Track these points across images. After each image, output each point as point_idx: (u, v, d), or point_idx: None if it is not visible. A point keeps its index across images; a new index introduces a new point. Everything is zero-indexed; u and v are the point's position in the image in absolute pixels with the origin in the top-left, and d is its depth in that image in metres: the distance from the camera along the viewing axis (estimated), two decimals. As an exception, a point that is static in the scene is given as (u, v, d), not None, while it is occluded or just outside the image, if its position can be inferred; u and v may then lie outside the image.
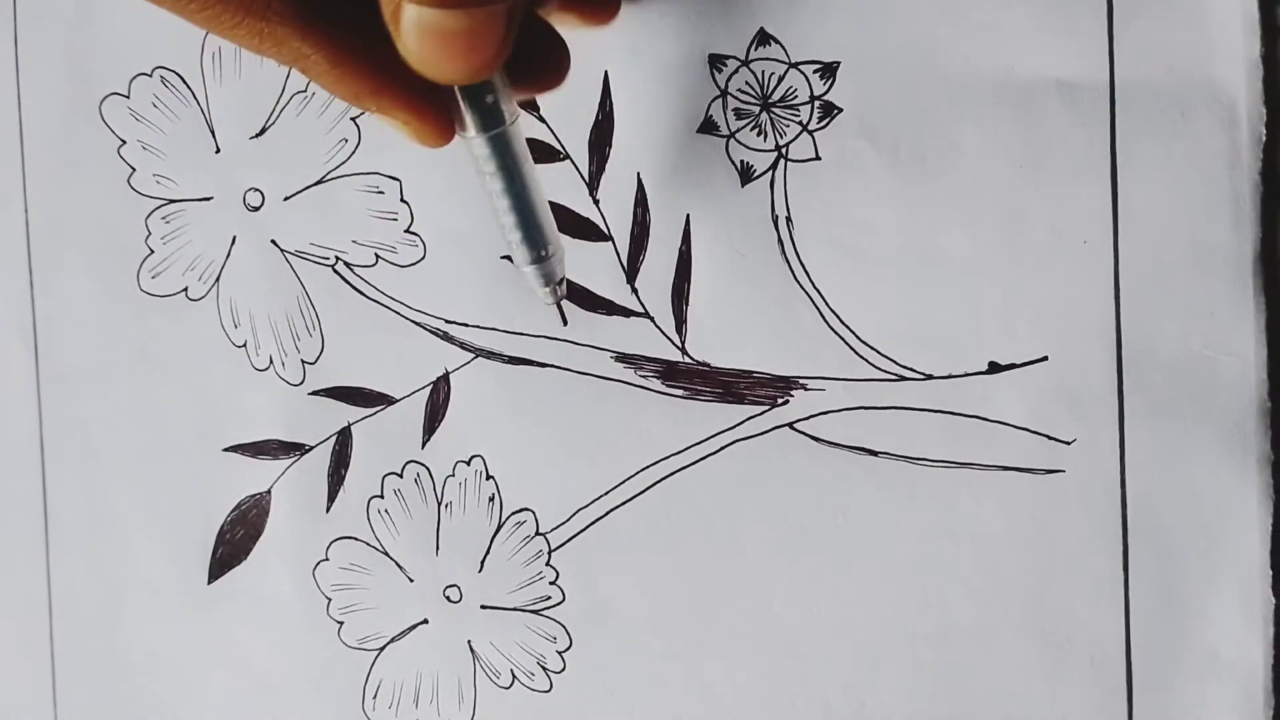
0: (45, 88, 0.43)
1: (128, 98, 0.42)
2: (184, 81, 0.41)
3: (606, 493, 0.39)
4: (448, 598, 0.41)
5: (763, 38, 0.37)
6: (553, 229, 0.34)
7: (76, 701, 0.44)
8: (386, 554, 0.41)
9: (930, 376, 0.37)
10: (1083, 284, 0.36)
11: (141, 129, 0.42)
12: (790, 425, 0.38)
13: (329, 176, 0.40)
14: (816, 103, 0.37)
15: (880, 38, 0.37)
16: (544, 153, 0.39)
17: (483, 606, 0.40)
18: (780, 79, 0.37)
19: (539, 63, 0.32)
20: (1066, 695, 0.36)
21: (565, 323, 0.39)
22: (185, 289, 0.42)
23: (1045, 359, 0.36)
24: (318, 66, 0.29)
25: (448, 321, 0.40)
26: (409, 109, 0.30)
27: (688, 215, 0.38)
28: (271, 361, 0.41)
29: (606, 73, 0.38)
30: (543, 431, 0.40)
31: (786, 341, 0.38)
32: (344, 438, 0.41)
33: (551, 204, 0.38)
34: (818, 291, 0.37)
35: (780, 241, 0.38)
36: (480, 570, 0.40)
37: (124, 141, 0.42)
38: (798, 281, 0.38)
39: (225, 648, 0.43)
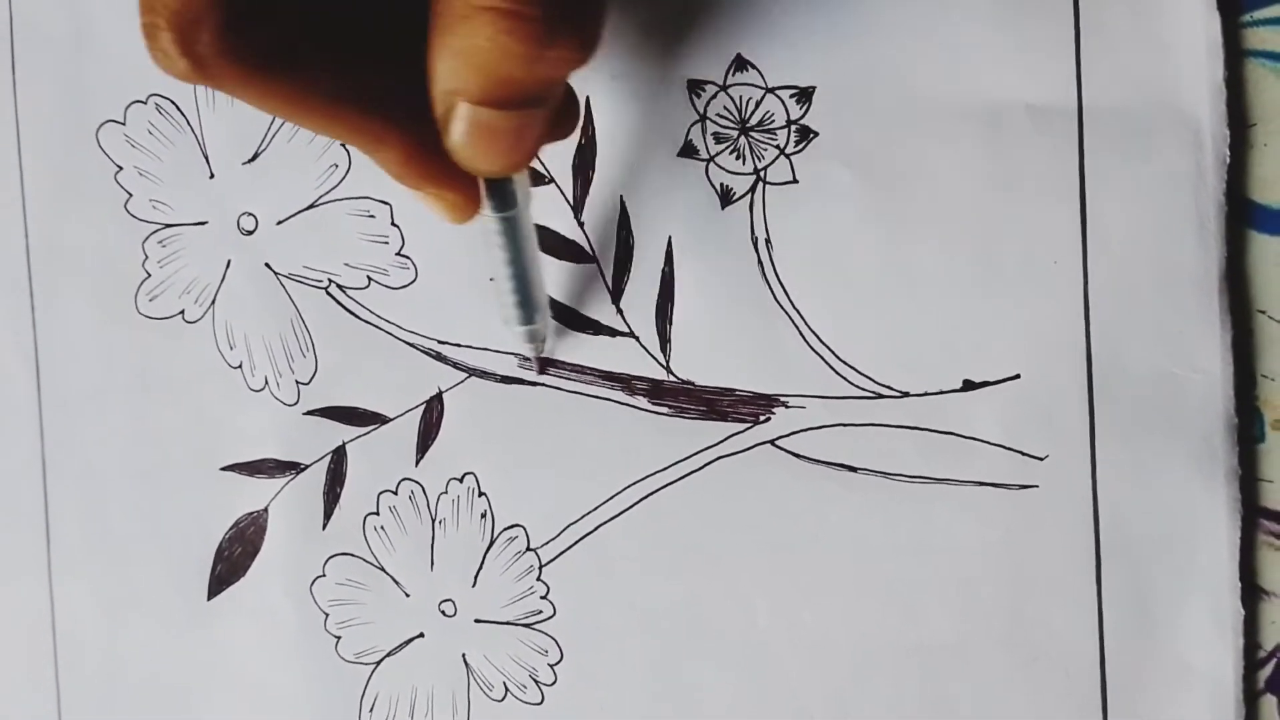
0: (43, 116, 0.46)
1: (124, 125, 0.45)
2: (178, 109, 0.45)
3: (595, 509, 0.42)
4: (443, 612, 0.44)
5: (740, 63, 0.40)
6: (544, 300, 0.40)
7: (81, 719, 0.47)
8: (382, 570, 0.44)
9: (907, 394, 0.40)
10: (1053, 303, 0.38)
11: (137, 155, 0.45)
12: (772, 442, 0.41)
13: (321, 201, 0.43)
14: (793, 127, 0.40)
15: (855, 63, 0.39)
16: (530, 177, 0.42)
17: (476, 620, 0.43)
18: (758, 104, 0.40)
19: (558, 110, 0.35)
20: (1042, 706, 0.39)
21: (540, 372, 0.42)
22: (182, 311, 0.45)
23: (1018, 377, 0.39)
24: (390, 154, 0.32)
25: (440, 342, 0.43)
26: (458, 191, 0.34)
27: (670, 237, 0.41)
28: (267, 382, 0.45)
29: (589, 99, 0.41)
30: (533, 449, 0.43)
31: (767, 360, 0.41)
32: (339, 456, 0.44)
33: (538, 226, 0.41)
34: (797, 311, 0.40)
35: (760, 262, 0.40)
36: (474, 585, 0.43)
37: (120, 168, 0.45)
38: (778, 302, 0.40)
39: (225, 663, 0.46)
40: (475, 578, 0.43)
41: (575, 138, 0.41)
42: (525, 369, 0.42)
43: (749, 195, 0.40)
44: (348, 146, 0.43)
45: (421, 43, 0.31)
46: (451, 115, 0.30)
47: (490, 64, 0.29)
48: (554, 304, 0.42)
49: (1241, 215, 0.38)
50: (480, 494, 0.43)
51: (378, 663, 0.44)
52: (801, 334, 0.40)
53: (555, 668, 0.43)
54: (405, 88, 0.31)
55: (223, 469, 0.45)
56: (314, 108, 0.31)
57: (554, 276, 0.42)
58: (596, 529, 0.42)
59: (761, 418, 0.41)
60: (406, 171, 0.33)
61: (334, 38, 0.31)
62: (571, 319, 0.42)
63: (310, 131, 0.32)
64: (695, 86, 0.40)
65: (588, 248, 0.42)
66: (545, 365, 0.42)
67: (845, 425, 0.40)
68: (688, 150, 0.41)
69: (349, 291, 0.44)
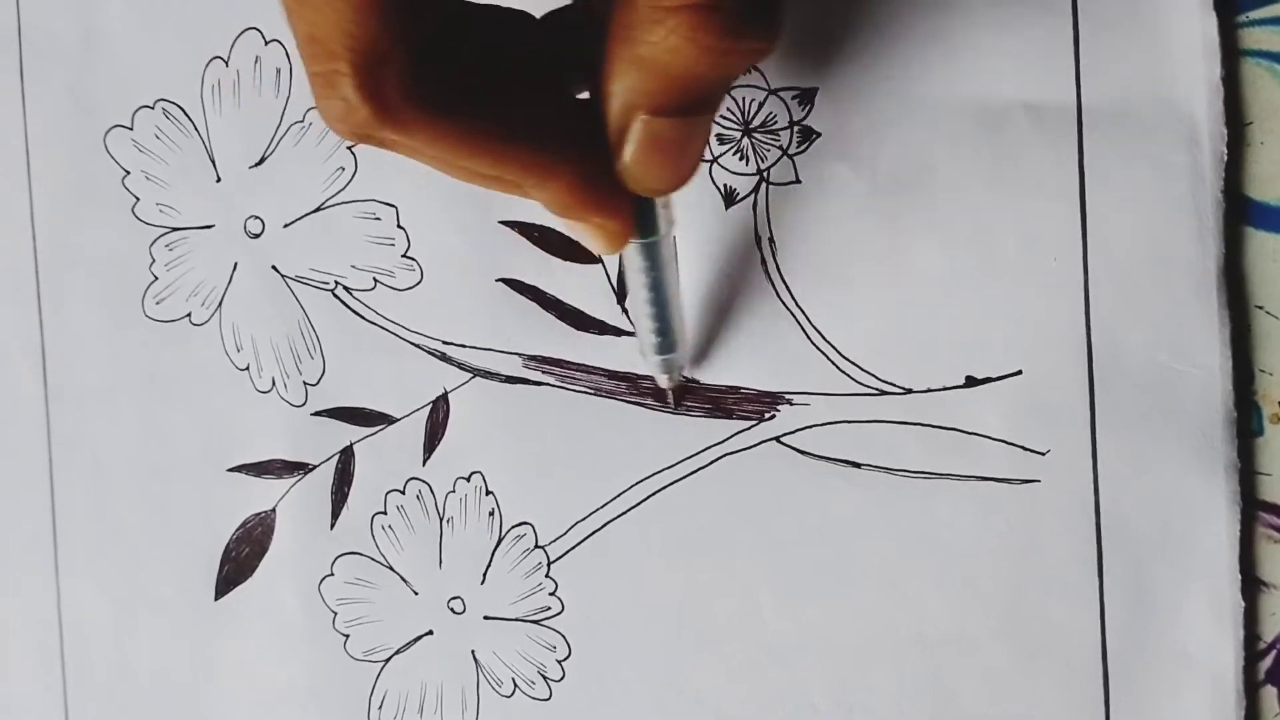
0: (51, 121, 0.46)
1: (131, 130, 0.45)
2: (185, 113, 0.45)
3: (602, 506, 0.43)
4: (451, 609, 0.44)
5: (743, 65, 0.41)
6: (684, 333, 0.40)
7: (88, 719, 0.48)
8: (391, 568, 0.44)
9: (910, 391, 0.40)
10: (1053, 300, 0.39)
11: (145, 160, 0.45)
12: (777, 439, 0.41)
13: (327, 204, 0.44)
14: (796, 128, 0.40)
15: (855, 65, 0.40)
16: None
17: (485, 617, 0.44)
18: (760, 105, 0.41)
19: None
20: (1045, 698, 0.40)
21: (675, 406, 0.42)
22: (189, 314, 0.46)
23: (1019, 373, 0.39)
24: (560, 185, 0.32)
25: (446, 342, 0.44)
26: (618, 219, 0.34)
27: (674, 238, 0.41)
28: (274, 384, 0.45)
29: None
30: (540, 448, 0.43)
31: (772, 358, 0.41)
32: (346, 456, 0.45)
33: (543, 227, 0.42)
34: (801, 310, 0.41)
35: (764, 262, 0.41)
36: (483, 582, 0.44)
37: (128, 172, 0.46)
38: (781, 300, 0.41)
39: (233, 663, 0.46)
40: (484, 575, 0.44)
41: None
42: (652, 405, 0.42)
43: (752, 195, 0.41)
44: (359, 147, 0.43)
45: (587, 70, 0.31)
46: (628, 133, 0.31)
47: (680, 66, 0.29)
48: (559, 304, 0.42)
49: (1239, 212, 0.38)
50: (488, 492, 0.44)
51: (386, 660, 0.45)
52: (805, 332, 0.41)
53: (564, 663, 0.43)
54: (571, 117, 0.32)
55: (230, 470, 0.46)
56: (491, 149, 0.30)
57: (559, 277, 0.42)
58: (604, 526, 0.43)
59: (766, 415, 0.41)
60: (573, 203, 0.32)
61: (505, 73, 0.31)
62: (577, 319, 0.42)
63: (478, 174, 0.31)
64: (698, 88, 0.41)
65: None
66: (680, 396, 0.42)
67: (849, 422, 0.41)
68: (691, 151, 0.41)
69: (355, 293, 0.44)
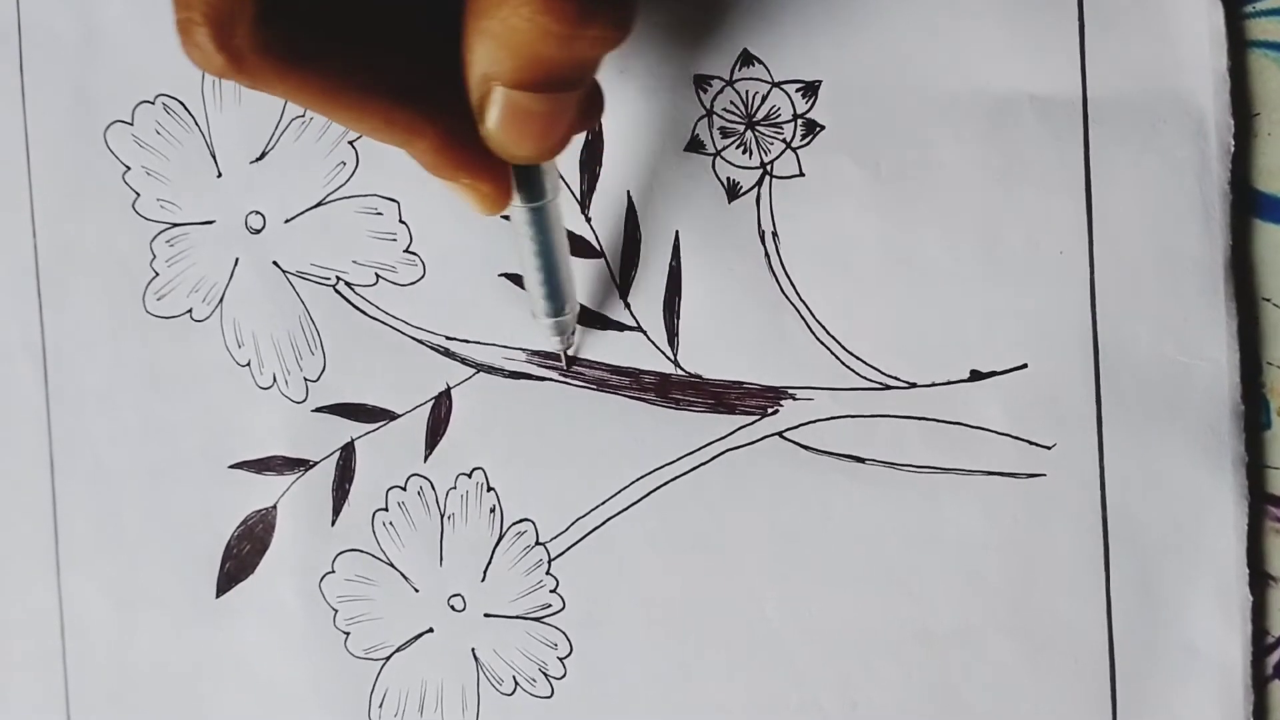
0: (51, 116, 0.46)
1: (131, 125, 0.45)
2: (186, 108, 0.45)
3: (604, 502, 0.42)
4: (452, 607, 0.44)
5: (746, 58, 0.40)
6: (573, 292, 0.40)
7: (89, 716, 0.47)
8: (392, 565, 0.44)
9: (914, 385, 0.40)
10: (1059, 293, 0.39)
11: (145, 155, 0.45)
12: (780, 434, 0.41)
13: (328, 199, 0.44)
14: (799, 121, 0.40)
15: (860, 57, 0.40)
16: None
17: (486, 615, 0.44)
18: (764, 98, 0.40)
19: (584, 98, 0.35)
20: (1052, 693, 0.39)
21: (568, 367, 0.42)
22: (190, 310, 0.45)
23: (1025, 366, 0.39)
24: (425, 143, 0.32)
25: (448, 338, 0.43)
26: (489, 181, 0.34)
27: (677, 231, 0.41)
28: (275, 380, 0.45)
29: (596, 94, 0.41)
30: (542, 444, 0.43)
31: (775, 353, 0.41)
32: (347, 453, 0.44)
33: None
34: (804, 304, 0.40)
35: (767, 255, 0.41)
36: (483, 580, 0.43)
37: (128, 167, 0.45)
38: (784, 294, 0.41)
39: (234, 660, 0.46)
40: (484, 572, 0.43)
41: (583, 133, 0.41)
42: (545, 365, 0.42)
43: (755, 189, 0.41)
44: (361, 141, 0.43)
45: (453, 32, 0.31)
46: (487, 100, 0.31)
47: (527, 45, 0.29)
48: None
49: (1246, 204, 0.38)
50: (489, 489, 0.43)
51: (387, 658, 0.44)
52: (809, 326, 0.40)
53: (565, 661, 0.43)
54: (438, 78, 0.32)
55: (231, 466, 0.45)
56: (348, 101, 0.31)
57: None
58: (605, 522, 0.42)
59: (769, 410, 0.41)
60: (440, 162, 0.33)
61: (366, 31, 0.31)
62: (580, 314, 0.42)
63: (344, 125, 0.32)
64: (702, 81, 0.41)
65: (595, 243, 0.42)
66: (572, 360, 0.42)
67: (853, 416, 0.40)
68: (694, 145, 0.41)
69: (357, 289, 0.44)
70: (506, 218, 0.37)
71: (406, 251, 0.43)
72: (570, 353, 0.42)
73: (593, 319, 0.42)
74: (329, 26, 0.31)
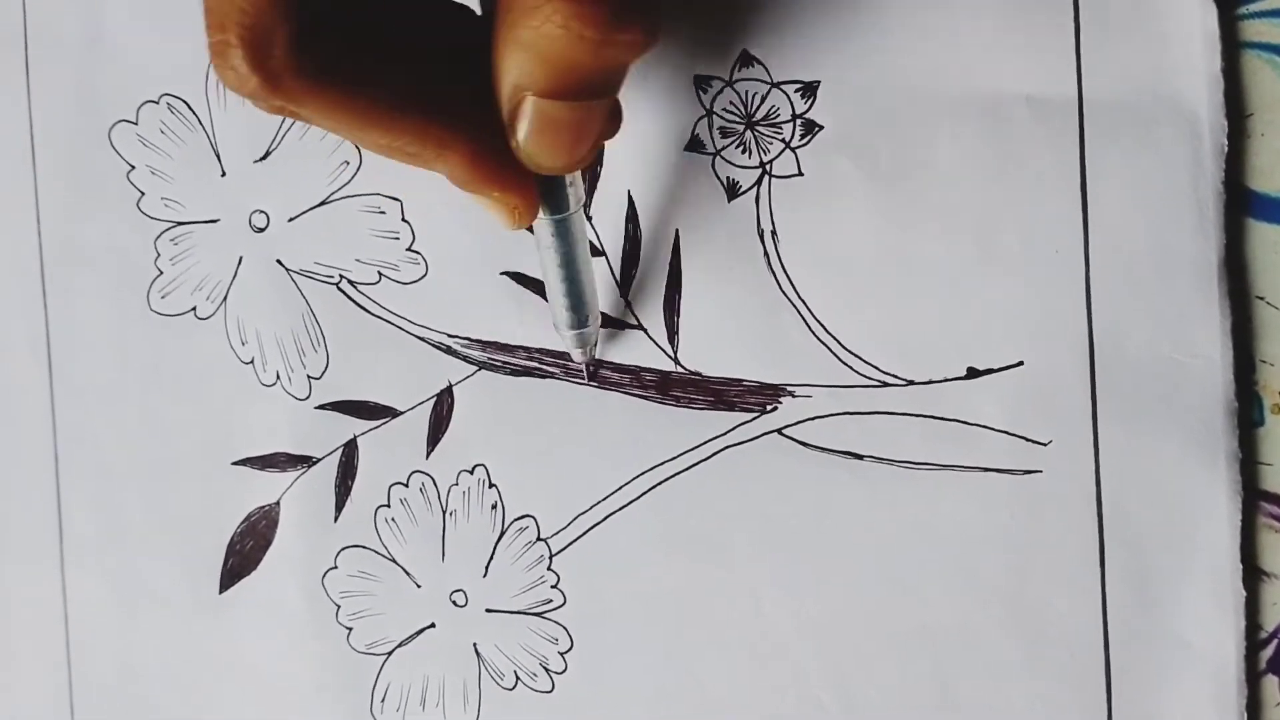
0: (56, 116, 0.46)
1: (136, 124, 0.45)
2: (190, 108, 0.45)
3: (604, 498, 0.43)
4: (454, 602, 0.44)
5: (745, 59, 0.41)
6: (595, 304, 0.40)
7: (93, 712, 0.47)
8: (394, 561, 0.44)
9: (911, 382, 0.40)
10: (1055, 291, 0.39)
11: (150, 154, 0.45)
12: (779, 431, 0.41)
13: (332, 198, 0.44)
14: (798, 121, 0.40)
15: (858, 58, 0.40)
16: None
17: (487, 610, 0.44)
18: (763, 98, 0.41)
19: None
20: (1047, 687, 0.40)
21: (592, 379, 0.43)
22: (194, 308, 0.45)
23: (1021, 364, 0.39)
24: (456, 158, 0.33)
25: (450, 336, 0.43)
26: (518, 194, 0.34)
27: (677, 230, 0.41)
28: (278, 377, 0.45)
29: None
30: (543, 440, 0.43)
31: (774, 350, 0.41)
32: (350, 450, 0.45)
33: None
34: (803, 302, 0.41)
35: (766, 254, 0.41)
36: (485, 575, 0.44)
37: (133, 167, 0.46)
38: (784, 293, 0.41)
39: (237, 655, 0.46)
40: (486, 568, 0.44)
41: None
42: (549, 364, 0.43)
43: (755, 188, 0.41)
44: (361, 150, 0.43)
45: (482, 48, 0.31)
46: (519, 112, 0.31)
47: (559, 54, 0.29)
48: (563, 297, 0.42)
49: (1240, 203, 0.38)
50: (491, 485, 0.43)
51: (389, 653, 0.45)
52: (807, 324, 0.41)
53: (566, 656, 0.43)
54: (467, 94, 0.32)
55: (234, 463, 0.46)
56: (380, 120, 0.31)
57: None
58: (606, 519, 0.43)
59: (768, 407, 0.41)
60: (472, 176, 0.33)
61: (396, 50, 0.32)
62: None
63: (373, 148, 0.32)
64: (702, 82, 0.41)
65: (596, 241, 0.42)
66: (594, 369, 0.43)
67: (851, 414, 0.41)
68: (694, 144, 0.41)
69: (360, 287, 0.44)
70: (530, 230, 0.38)
71: (409, 250, 0.43)
72: (591, 362, 0.42)
73: (593, 317, 0.42)
74: (360, 47, 0.31)
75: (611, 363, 0.42)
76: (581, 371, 0.42)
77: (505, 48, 0.30)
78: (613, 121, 0.34)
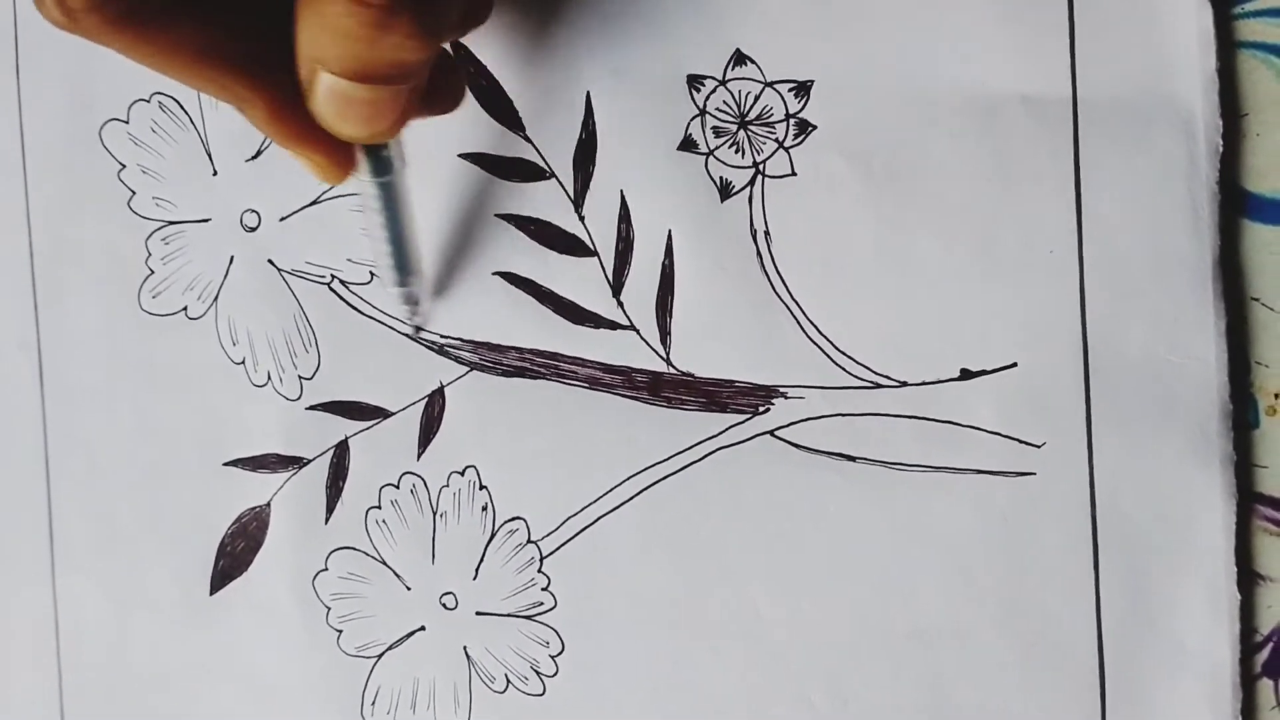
0: (47, 114, 0.46)
1: (127, 123, 0.45)
2: (181, 107, 0.45)
3: (595, 500, 0.42)
4: (444, 605, 0.44)
5: (739, 58, 0.40)
6: (419, 262, 0.41)
7: (83, 713, 0.47)
8: (384, 563, 0.44)
9: (905, 383, 0.40)
10: (1049, 292, 0.39)
11: (141, 153, 0.45)
12: (771, 433, 0.41)
13: (323, 198, 0.44)
14: (792, 120, 0.40)
15: (852, 57, 0.40)
16: (531, 171, 0.42)
17: (478, 613, 0.43)
18: (756, 98, 0.40)
19: (437, 89, 0.36)
20: (1041, 690, 0.39)
21: (416, 333, 0.43)
22: (185, 308, 0.45)
23: (1015, 365, 0.39)
24: (256, 111, 0.33)
25: (442, 336, 0.43)
26: (323, 153, 0.35)
27: (669, 230, 0.41)
28: (269, 378, 0.45)
29: (589, 94, 0.41)
30: (534, 442, 0.43)
31: (767, 351, 0.41)
32: (341, 451, 0.44)
33: (539, 220, 0.41)
34: (796, 303, 0.40)
35: (759, 255, 0.41)
36: (475, 578, 0.43)
37: (124, 166, 0.45)
38: (777, 293, 0.41)
39: (228, 657, 0.46)
40: (476, 570, 0.43)
41: (576, 132, 0.41)
42: (540, 364, 0.42)
43: (748, 188, 0.41)
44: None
45: (289, 9, 0.31)
46: (314, 82, 0.32)
47: (341, 40, 0.30)
48: (555, 297, 0.42)
49: (1235, 204, 0.38)
50: (481, 487, 0.43)
51: (380, 656, 0.44)
52: (800, 325, 0.40)
53: (557, 659, 0.43)
54: (274, 50, 0.32)
55: (225, 464, 0.45)
56: (182, 62, 0.32)
57: (555, 270, 0.42)
58: (597, 521, 0.42)
59: (761, 409, 0.41)
60: (273, 130, 0.34)
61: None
62: (573, 312, 0.42)
63: (181, 83, 0.33)
64: (695, 81, 0.41)
65: (588, 242, 0.42)
66: (419, 329, 0.43)
67: (844, 415, 0.40)
68: (687, 144, 0.41)
69: (351, 287, 0.44)
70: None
71: (400, 250, 0.43)
72: (419, 322, 0.43)
73: (585, 318, 0.42)
74: None
75: (603, 363, 0.42)
76: (410, 325, 0.43)
77: (302, 19, 0.31)
78: (444, 99, 0.36)
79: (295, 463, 0.44)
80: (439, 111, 0.37)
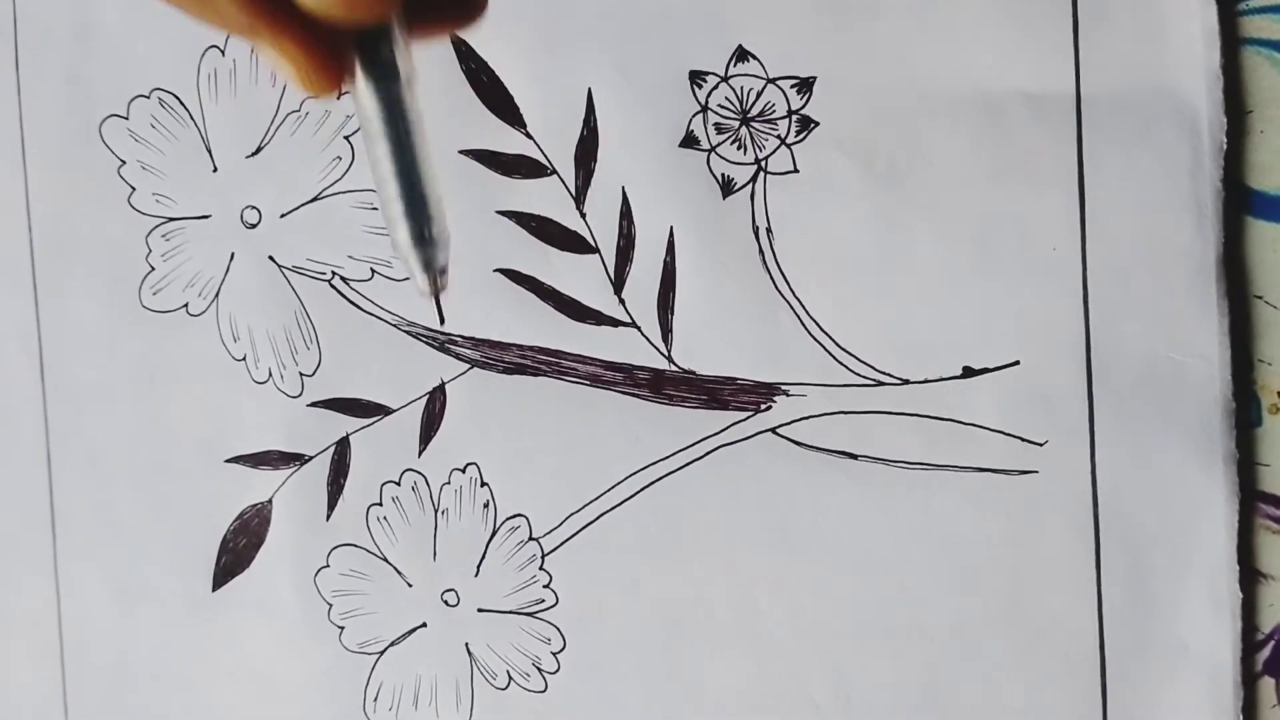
0: (46, 111, 0.46)
1: (127, 119, 0.45)
2: (181, 103, 0.44)
3: (597, 498, 0.42)
4: (445, 602, 0.44)
5: (741, 54, 0.40)
6: (440, 209, 0.30)
7: (87, 710, 0.47)
8: (386, 560, 0.44)
9: (907, 381, 0.40)
10: (1052, 290, 0.39)
11: (141, 149, 0.45)
12: (773, 430, 0.41)
13: (324, 194, 0.43)
14: (794, 117, 0.40)
15: (855, 54, 0.39)
16: (532, 168, 0.42)
17: (479, 610, 0.43)
18: (759, 94, 0.40)
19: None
20: (1043, 687, 0.39)
21: (442, 319, 0.42)
22: (186, 305, 0.45)
23: (1017, 363, 0.39)
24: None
25: (443, 333, 0.43)
26: (302, 47, 0.27)
27: (671, 227, 0.41)
28: (271, 374, 0.44)
29: (591, 90, 0.41)
30: (535, 439, 0.43)
31: (768, 349, 0.41)
32: (342, 447, 0.44)
33: (540, 217, 0.41)
34: (798, 300, 0.40)
35: (761, 252, 0.40)
36: (476, 575, 0.43)
37: (124, 162, 0.45)
38: (778, 290, 0.40)
39: (230, 654, 0.46)
40: (478, 567, 0.43)
41: (578, 129, 0.41)
42: (541, 361, 0.42)
43: (750, 185, 0.40)
44: (357, 137, 0.43)
45: None
46: None
47: None
48: (557, 294, 0.42)
49: (1239, 201, 0.38)
50: (482, 484, 0.43)
51: (381, 652, 0.44)
52: (802, 322, 0.40)
53: (558, 656, 0.43)
54: None
55: (227, 461, 0.45)
56: None
57: (556, 268, 0.42)
58: (599, 518, 0.42)
59: (763, 406, 0.41)
60: (241, 16, 0.27)
61: None
62: (574, 309, 0.42)
63: None
64: (697, 77, 0.40)
65: (589, 238, 0.42)
66: (438, 298, 0.31)
67: (846, 413, 0.40)
68: (689, 141, 0.41)
69: (352, 284, 0.44)
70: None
71: (402, 247, 0.43)
72: (439, 290, 0.31)
73: (586, 315, 0.42)
74: None
75: (604, 360, 0.42)
76: (431, 299, 0.31)
77: None
78: (462, 8, 0.29)
79: (296, 459, 0.44)
80: (458, 22, 0.30)
